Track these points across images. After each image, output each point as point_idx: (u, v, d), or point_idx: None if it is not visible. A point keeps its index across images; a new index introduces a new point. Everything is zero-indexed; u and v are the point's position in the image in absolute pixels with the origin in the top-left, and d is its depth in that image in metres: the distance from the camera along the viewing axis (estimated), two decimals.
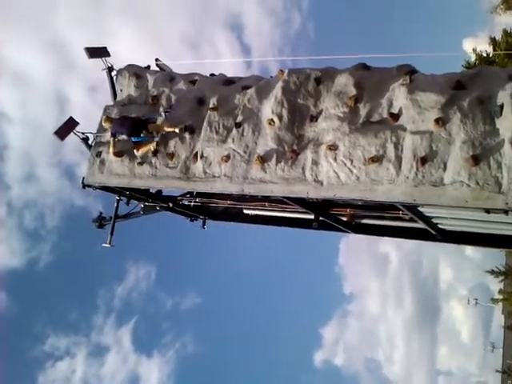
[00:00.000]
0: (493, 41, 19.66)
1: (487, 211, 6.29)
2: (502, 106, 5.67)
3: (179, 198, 10.51)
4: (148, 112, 8.85)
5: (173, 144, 8.29)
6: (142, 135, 8.43)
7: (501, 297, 29.29)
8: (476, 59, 19.47)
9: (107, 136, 8.96)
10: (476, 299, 41.71)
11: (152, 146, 8.33)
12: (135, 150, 8.53)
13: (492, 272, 26.68)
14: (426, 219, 7.87)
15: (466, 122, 5.85)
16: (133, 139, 8.48)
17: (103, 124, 8.97)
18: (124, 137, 8.65)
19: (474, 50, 19.49)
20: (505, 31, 19.05)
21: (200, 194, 10.07)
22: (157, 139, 8.40)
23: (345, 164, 6.57)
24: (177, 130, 8.22)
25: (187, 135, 8.20)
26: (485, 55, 19.43)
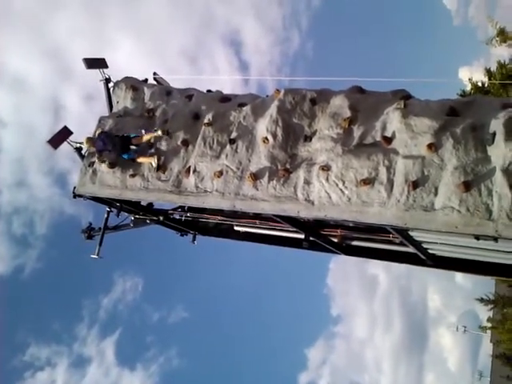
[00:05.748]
0: (488, 71, 20.02)
1: (477, 238, 6.29)
2: (494, 134, 5.70)
3: (170, 211, 10.47)
4: (143, 125, 8.86)
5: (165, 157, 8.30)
6: (131, 151, 8.46)
7: (489, 325, 29.18)
8: (471, 88, 19.78)
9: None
10: (465, 327, 41.42)
11: (154, 162, 8.27)
12: (136, 158, 8.52)
13: (481, 300, 26.61)
14: (416, 244, 7.86)
15: (459, 148, 5.88)
16: (124, 156, 8.49)
17: (85, 145, 9.00)
18: (112, 155, 8.61)
19: (470, 79, 19.82)
20: (499, 63, 19.43)
21: (191, 209, 10.03)
22: (152, 151, 8.42)
23: (337, 185, 6.57)
24: (157, 134, 8.26)
25: (165, 138, 8.24)
26: (480, 85, 19.74)
